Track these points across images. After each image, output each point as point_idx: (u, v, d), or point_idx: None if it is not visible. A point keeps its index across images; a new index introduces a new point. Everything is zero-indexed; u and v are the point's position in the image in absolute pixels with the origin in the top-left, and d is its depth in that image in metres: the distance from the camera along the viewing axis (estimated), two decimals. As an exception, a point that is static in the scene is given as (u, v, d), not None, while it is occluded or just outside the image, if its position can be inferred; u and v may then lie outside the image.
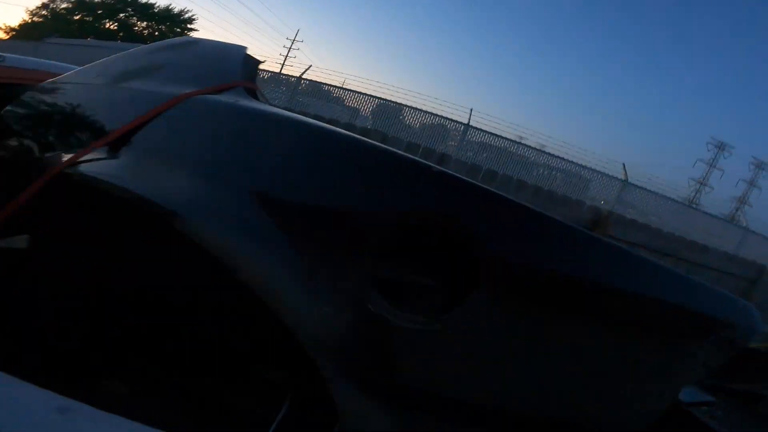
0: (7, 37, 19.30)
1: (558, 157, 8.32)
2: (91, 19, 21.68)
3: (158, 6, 22.89)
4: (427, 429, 0.79)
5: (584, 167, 8.20)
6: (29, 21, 20.71)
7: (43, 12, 20.97)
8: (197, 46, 1.45)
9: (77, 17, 21.25)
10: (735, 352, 0.92)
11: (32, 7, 21.38)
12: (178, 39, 1.43)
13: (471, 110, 8.22)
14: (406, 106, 8.79)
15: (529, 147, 8.56)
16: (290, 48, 27.47)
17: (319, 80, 9.76)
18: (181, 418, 0.99)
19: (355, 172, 0.81)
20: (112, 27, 22.12)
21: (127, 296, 1.11)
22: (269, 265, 0.76)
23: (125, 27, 22.20)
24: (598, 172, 8.10)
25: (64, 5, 21.23)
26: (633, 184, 8.01)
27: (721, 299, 0.88)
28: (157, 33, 22.39)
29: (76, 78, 1.29)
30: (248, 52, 1.28)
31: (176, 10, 23.47)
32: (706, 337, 0.87)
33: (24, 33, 19.48)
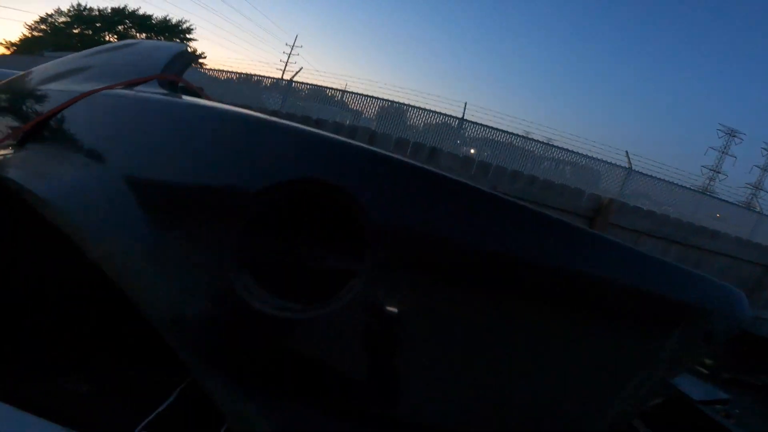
0: (9, 52, 19.56)
1: (562, 148, 8.17)
2: (90, 32, 21.91)
3: (156, 18, 23.07)
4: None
5: (587, 156, 8.02)
6: (29, 36, 21.01)
7: (42, 26, 21.28)
8: (135, 46, 1.50)
9: (76, 31, 21.50)
10: (715, 346, 0.72)
11: (31, 22, 21.59)
12: (121, 41, 1.57)
13: (465, 104, 8.17)
14: (408, 105, 8.71)
15: (535, 141, 8.41)
16: (290, 54, 27.62)
17: (321, 84, 9.80)
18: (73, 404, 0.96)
19: (217, 143, 0.74)
20: (112, 39, 22.30)
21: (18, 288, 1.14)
22: (123, 244, 0.69)
23: (125, 39, 22.38)
24: (602, 161, 7.92)
25: (62, 19, 21.49)
26: (638, 172, 7.79)
27: (694, 282, 0.68)
28: (156, 45, 22.52)
29: (6, 85, 1.34)
30: (184, 49, 1.32)
31: (174, 21, 23.64)
32: (670, 328, 0.67)
33: (24, 48, 19.75)
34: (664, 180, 7.93)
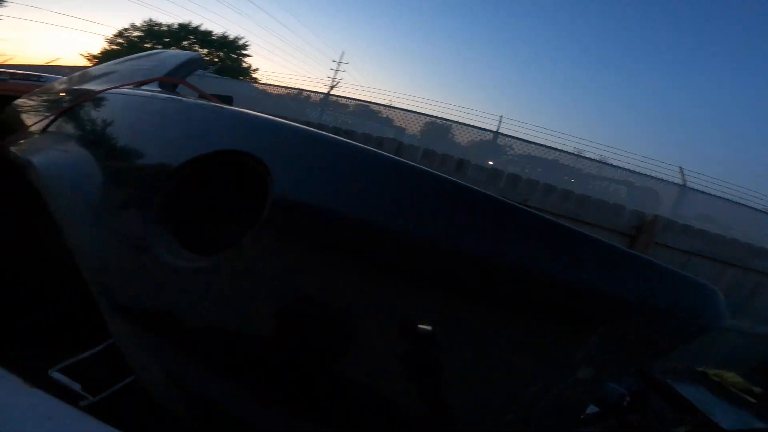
0: (91, 64, 21.65)
1: (614, 166, 7.73)
2: (160, 46, 23.84)
3: (215, 34, 24.85)
4: (205, 383, 0.63)
5: (637, 173, 7.55)
6: (108, 48, 23.24)
7: (119, 40, 23.46)
8: (158, 54, 1.71)
9: (148, 45, 23.48)
10: (664, 353, 0.60)
11: (109, 35, 24.01)
12: (151, 51, 1.86)
13: (501, 117, 7.98)
14: (451, 121, 8.66)
15: (586, 158, 8.05)
16: (336, 69, 28.36)
17: (366, 100, 9.96)
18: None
19: (154, 124, 0.90)
20: (177, 53, 24.05)
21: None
22: (71, 202, 0.83)
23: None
24: (652, 177, 7.44)
25: (136, 33, 23.61)
26: (694, 189, 7.23)
27: (634, 269, 0.54)
28: (216, 59, 24.22)
29: (51, 86, 1.58)
30: (194, 57, 1.52)
31: (231, 38, 25.30)
32: (585, 326, 0.53)
33: (104, 59, 21.77)
34: (726, 199, 7.30)
